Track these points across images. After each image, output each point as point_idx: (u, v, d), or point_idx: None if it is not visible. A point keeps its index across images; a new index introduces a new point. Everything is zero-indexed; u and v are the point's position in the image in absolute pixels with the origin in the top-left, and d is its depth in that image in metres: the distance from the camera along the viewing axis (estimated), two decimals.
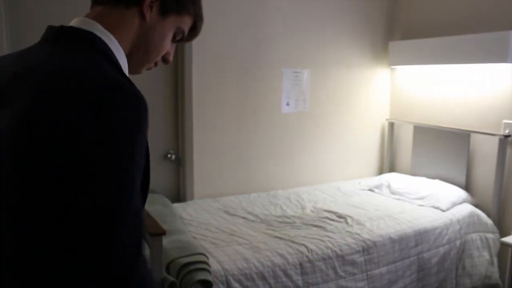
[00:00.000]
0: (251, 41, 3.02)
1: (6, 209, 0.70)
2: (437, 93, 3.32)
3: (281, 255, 2.07)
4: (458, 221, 2.68)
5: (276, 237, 2.28)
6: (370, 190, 3.23)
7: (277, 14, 3.09)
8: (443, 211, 2.73)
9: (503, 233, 2.82)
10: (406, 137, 3.59)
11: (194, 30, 0.96)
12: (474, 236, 2.72)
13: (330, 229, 2.40)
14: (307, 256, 2.12)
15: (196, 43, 2.76)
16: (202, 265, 1.81)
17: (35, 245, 0.68)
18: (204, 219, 2.54)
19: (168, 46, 0.92)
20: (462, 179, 3.03)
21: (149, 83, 2.73)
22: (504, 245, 2.40)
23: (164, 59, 0.94)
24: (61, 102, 0.67)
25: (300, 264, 2.08)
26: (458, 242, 2.63)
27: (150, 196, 2.71)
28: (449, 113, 3.22)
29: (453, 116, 3.19)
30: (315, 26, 3.28)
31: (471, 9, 3.03)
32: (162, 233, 1.73)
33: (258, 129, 3.14)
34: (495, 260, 2.76)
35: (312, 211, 2.73)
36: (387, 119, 3.71)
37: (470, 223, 2.72)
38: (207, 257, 1.90)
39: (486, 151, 2.96)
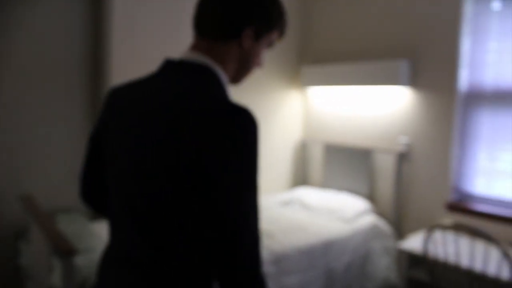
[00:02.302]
0: (171, 41, 3.02)
1: (166, 199, 0.89)
2: (343, 114, 3.61)
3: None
4: (362, 231, 2.93)
5: None
6: (283, 204, 3.41)
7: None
8: (348, 222, 2.96)
9: (401, 239, 3.12)
10: (317, 154, 3.84)
11: (281, 35, 1.09)
12: (376, 244, 2.97)
13: None
14: None
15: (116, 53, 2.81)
16: None
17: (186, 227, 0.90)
18: None
19: (262, 58, 1.08)
20: (366, 191, 3.32)
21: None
22: (400, 251, 2.66)
23: (259, 65, 1.10)
24: (207, 121, 0.86)
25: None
26: (362, 251, 2.87)
27: (67, 216, 2.70)
28: (354, 131, 3.51)
29: (357, 134, 3.49)
30: None
31: (369, 40, 3.37)
32: (74, 252, 1.75)
33: None
34: (394, 264, 3.04)
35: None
36: (300, 139, 3.95)
37: (372, 232, 2.98)
38: None
39: (385, 165, 3.27)
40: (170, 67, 0.99)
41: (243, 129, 0.86)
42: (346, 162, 3.47)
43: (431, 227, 2.27)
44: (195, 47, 1.01)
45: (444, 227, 2.22)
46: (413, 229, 3.09)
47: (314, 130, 3.89)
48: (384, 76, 3.11)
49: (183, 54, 1.00)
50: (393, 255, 3.03)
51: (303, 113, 3.99)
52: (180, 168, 0.86)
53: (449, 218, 2.88)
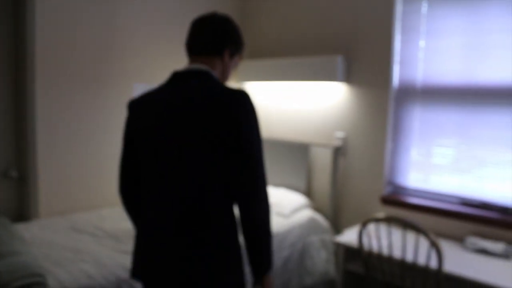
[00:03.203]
0: (101, 54, 2.97)
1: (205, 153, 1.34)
2: (281, 109, 3.62)
3: (127, 269, 2.06)
4: (300, 226, 2.94)
5: (124, 252, 2.26)
6: None
7: (129, 25, 3.10)
8: (286, 217, 2.97)
9: (338, 233, 3.18)
10: None
11: (242, 56, 1.66)
12: (314, 238, 3.01)
13: None
14: None
15: (40, 54, 2.64)
16: (36, 287, 1.73)
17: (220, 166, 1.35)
18: (49, 238, 2.41)
19: (234, 69, 1.61)
20: (303, 186, 3.34)
21: None
22: (337, 244, 2.71)
23: (231, 73, 1.62)
24: (225, 106, 1.33)
25: None
26: (300, 245, 2.89)
27: None
28: (292, 126, 3.54)
29: (295, 129, 3.51)
30: (167, 41, 3.36)
31: (307, 36, 3.40)
32: None
33: (110, 142, 3.08)
34: (332, 258, 3.08)
35: None
36: None
37: (309, 227, 3.00)
38: (44, 277, 1.81)
39: (322, 160, 3.32)
40: (179, 75, 1.46)
41: (245, 101, 1.36)
42: (284, 157, 3.48)
43: (365, 221, 2.31)
44: (193, 61, 1.51)
45: (377, 220, 2.27)
46: (350, 223, 3.16)
47: None
48: (321, 72, 3.15)
49: (187, 67, 1.48)
50: (330, 249, 3.08)
51: None
52: (213, 134, 1.32)
53: (384, 211, 2.97)
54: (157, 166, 1.41)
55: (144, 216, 1.47)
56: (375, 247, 2.39)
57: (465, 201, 2.70)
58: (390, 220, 2.23)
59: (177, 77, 1.45)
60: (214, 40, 1.48)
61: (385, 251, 2.35)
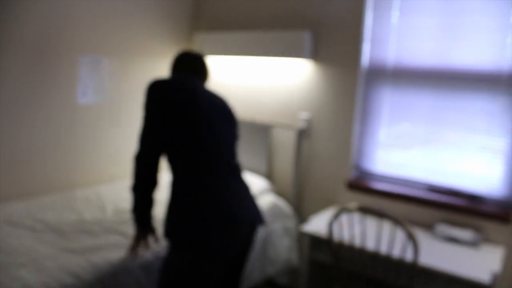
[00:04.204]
0: (42, 22, 2.57)
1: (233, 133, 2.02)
2: (243, 86, 3.37)
3: (74, 274, 1.78)
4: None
5: (70, 250, 1.97)
6: None
7: None
8: None
9: (301, 219, 3.03)
10: None
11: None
12: (276, 225, 2.83)
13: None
14: (108, 271, 1.87)
15: None
16: None
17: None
18: None
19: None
20: (264, 169, 3.15)
21: None
22: (303, 233, 2.55)
23: None
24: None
25: (100, 281, 1.82)
26: (262, 233, 2.70)
27: None
28: (253, 105, 3.31)
29: (257, 108, 3.28)
30: (117, 10, 2.99)
31: (271, 8, 3.14)
32: None
33: (49, 122, 2.71)
34: (295, 245, 2.94)
35: (113, 214, 2.47)
36: None
37: (272, 213, 2.82)
38: None
39: (285, 142, 3.13)
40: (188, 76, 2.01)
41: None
42: (244, 138, 3.26)
43: (338, 211, 2.16)
44: (187, 75, 2.03)
45: (350, 210, 2.13)
46: (314, 208, 3.01)
47: None
48: (286, 48, 2.92)
49: (189, 79, 1.96)
50: (294, 236, 2.93)
51: None
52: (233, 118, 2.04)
53: (349, 197, 2.84)
54: (214, 138, 1.86)
55: (203, 175, 1.80)
56: (346, 238, 2.25)
57: (432, 187, 2.62)
58: (364, 211, 2.09)
59: (189, 79, 1.95)
60: (199, 67, 2.09)
61: (357, 241, 2.21)
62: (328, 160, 2.93)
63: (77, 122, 2.87)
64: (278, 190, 3.16)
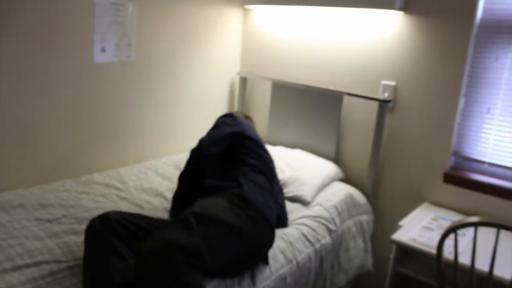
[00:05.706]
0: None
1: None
2: (302, 44, 2.70)
3: None
4: (334, 207, 2.18)
5: None
6: None
7: None
8: (308, 203, 2.19)
9: (377, 212, 2.45)
10: (262, 97, 2.95)
11: None
12: (349, 223, 2.25)
13: None
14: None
15: None
16: None
17: None
18: None
19: None
20: (331, 149, 2.54)
21: None
22: (392, 241, 1.98)
23: None
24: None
25: None
26: (334, 236, 2.13)
27: None
28: (316, 68, 2.65)
29: (322, 72, 2.63)
30: None
31: None
32: None
33: (58, 87, 2.14)
34: (369, 245, 2.37)
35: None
36: (238, 73, 3.00)
37: (347, 208, 2.24)
38: None
39: (361, 118, 2.49)
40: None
41: None
42: (302, 108, 2.63)
43: (452, 227, 1.55)
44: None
45: (469, 225, 1.53)
46: (395, 204, 2.41)
47: (257, 63, 2.96)
48: None
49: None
50: (369, 235, 2.37)
51: (243, 39, 3.01)
52: None
53: (446, 192, 2.22)
54: None
55: None
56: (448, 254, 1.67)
57: None
58: (491, 226, 1.49)
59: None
60: None
61: (463, 259, 1.64)
62: (419, 142, 2.29)
63: (93, 86, 2.28)
64: (347, 175, 2.56)
